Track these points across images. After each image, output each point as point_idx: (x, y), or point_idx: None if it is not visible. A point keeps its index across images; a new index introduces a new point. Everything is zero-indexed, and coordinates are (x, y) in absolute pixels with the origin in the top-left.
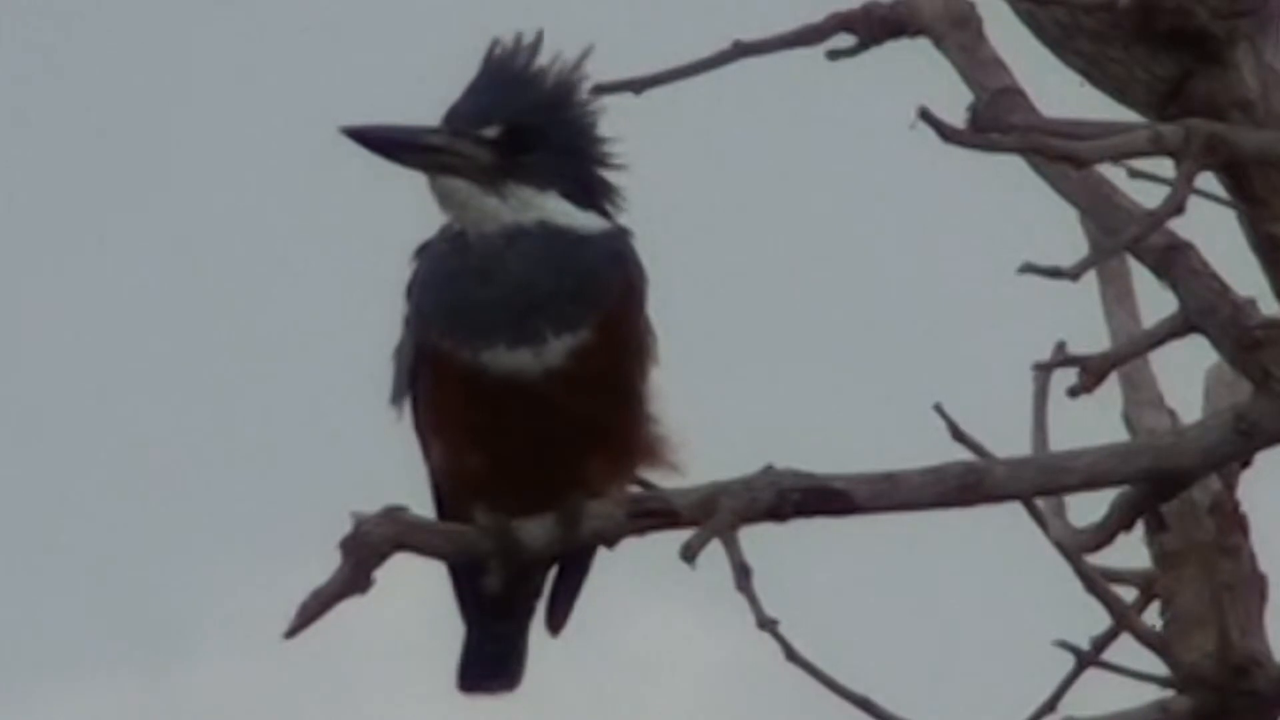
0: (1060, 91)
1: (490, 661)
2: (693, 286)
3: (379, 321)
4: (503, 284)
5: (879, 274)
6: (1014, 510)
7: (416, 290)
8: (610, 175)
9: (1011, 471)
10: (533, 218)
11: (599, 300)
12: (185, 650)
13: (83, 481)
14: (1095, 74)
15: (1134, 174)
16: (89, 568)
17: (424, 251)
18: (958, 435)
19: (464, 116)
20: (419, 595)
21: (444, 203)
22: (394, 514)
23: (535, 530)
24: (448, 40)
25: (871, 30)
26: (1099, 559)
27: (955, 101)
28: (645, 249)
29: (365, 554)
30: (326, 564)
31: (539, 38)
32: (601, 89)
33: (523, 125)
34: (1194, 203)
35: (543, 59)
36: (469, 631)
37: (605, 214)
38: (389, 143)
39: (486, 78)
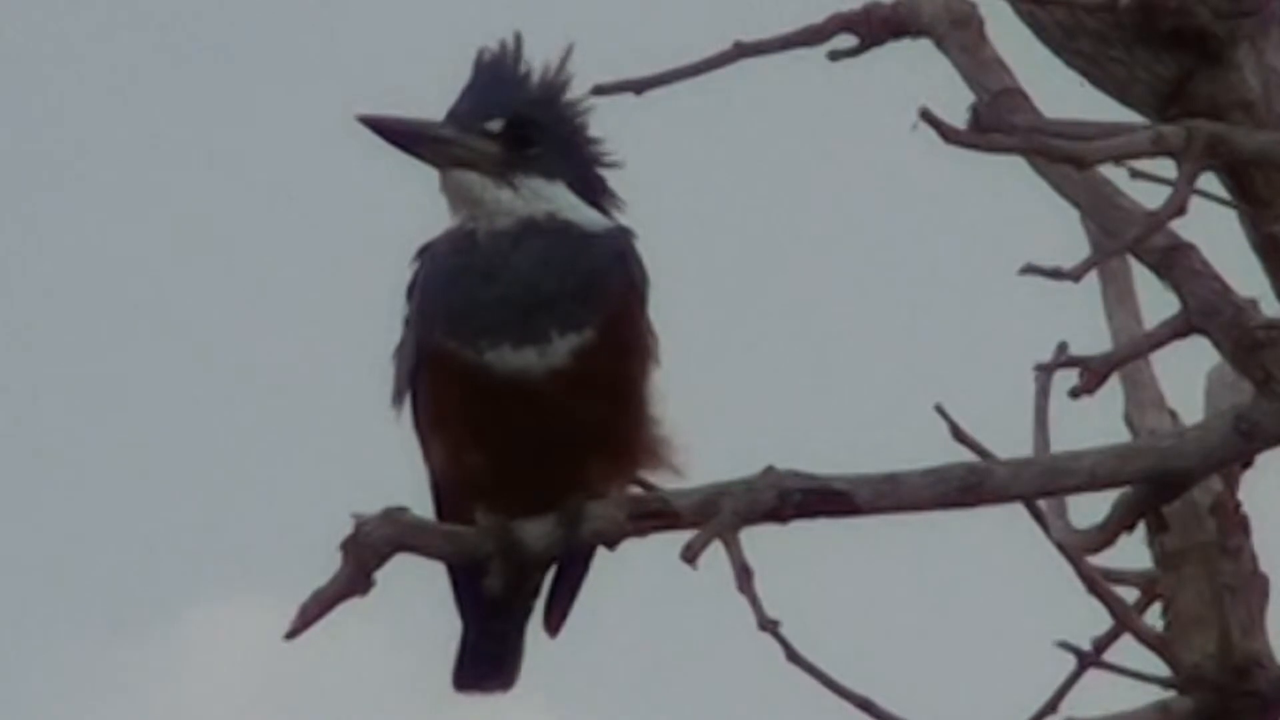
0: (1062, 92)
1: (487, 661)
2: (693, 287)
3: (379, 322)
4: (509, 283)
5: (880, 274)
6: (1015, 511)
7: (419, 290)
8: (606, 174)
9: (1013, 472)
10: (543, 209)
11: (603, 300)
12: None
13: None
14: (1096, 75)
15: (1135, 175)
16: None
17: (426, 252)
18: (959, 436)
19: (465, 114)
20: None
21: (457, 197)
22: (394, 515)
23: (536, 531)
24: (446, 41)
25: (872, 31)
26: (1100, 560)
27: (956, 102)
28: (645, 249)
29: (365, 555)
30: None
31: (519, 40)
32: (602, 89)
33: (523, 118)
34: (1195, 203)
35: (529, 60)
36: (466, 630)
37: (606, 212)
38: (403, 134)
39: (480, 79)
